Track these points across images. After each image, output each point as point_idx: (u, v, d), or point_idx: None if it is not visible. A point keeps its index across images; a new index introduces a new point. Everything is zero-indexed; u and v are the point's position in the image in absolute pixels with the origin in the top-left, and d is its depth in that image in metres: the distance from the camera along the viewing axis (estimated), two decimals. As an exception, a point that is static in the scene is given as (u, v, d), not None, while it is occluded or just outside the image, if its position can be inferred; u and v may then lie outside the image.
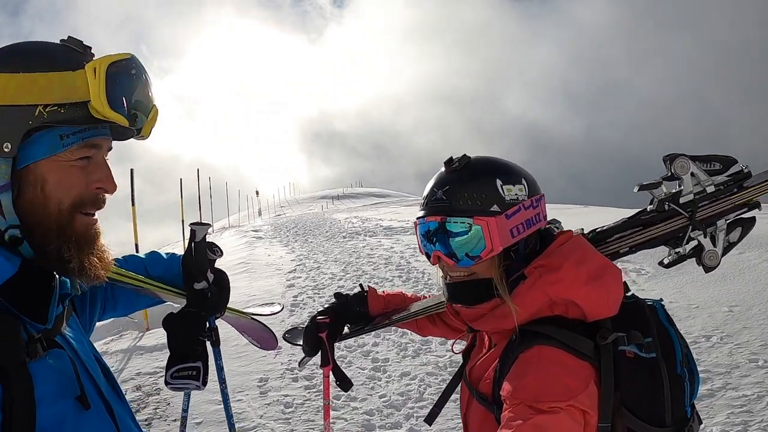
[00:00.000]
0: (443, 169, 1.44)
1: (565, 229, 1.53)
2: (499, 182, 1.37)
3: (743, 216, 1.60)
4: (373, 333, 7.51)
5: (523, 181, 1.40)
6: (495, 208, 1.34)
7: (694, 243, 1.60)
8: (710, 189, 1.57)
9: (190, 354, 1.69)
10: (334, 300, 2.03)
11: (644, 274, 8.03)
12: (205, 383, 1.68)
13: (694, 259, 1.61)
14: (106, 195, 1.18)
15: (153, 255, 1.84)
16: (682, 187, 1.58)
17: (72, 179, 1.10)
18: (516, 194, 1.38)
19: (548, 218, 1.48)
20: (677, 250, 1.63)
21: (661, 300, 1.49)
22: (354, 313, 2.00)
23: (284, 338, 2.14)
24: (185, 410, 2.20)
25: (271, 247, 14.74)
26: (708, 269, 1.60)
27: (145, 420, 4.91)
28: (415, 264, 10.58)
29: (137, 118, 1.14)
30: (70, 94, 1.05)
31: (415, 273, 9.92)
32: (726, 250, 1.60)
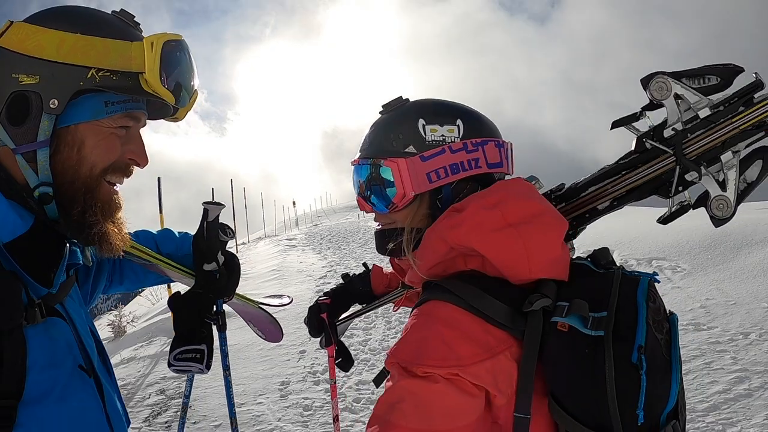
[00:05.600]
0: None
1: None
2: (421, 122, 1.21)
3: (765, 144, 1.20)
4: (384, 318, 7.40)
5: (458, 123, 1.21)
6: (410, 149, 1.20)
7: (701, 189, 1.24)
8: (704, 113, 1.20)
9: (194, 336, 1.65)
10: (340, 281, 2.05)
11: (680, 271, 7.68)
12: (208, 367, 1.65)
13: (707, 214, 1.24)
14: (135, 168, 1.20)
15: (165, 232, 1.81)
16: (666, 116, 1.24)
17: (109, 145, 1.12)
18: (442, 135, 1.20)
19: (524, 176, 1.28)
20: (681, 200, 1.27)
21: (656, 274, 1.12)
22: (357, 292, 1.98)
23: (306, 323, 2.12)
24: (187, 396, 2.16)
25: (303, 255, 14.78)
26: (718, 222, 1.23)
27: (165, 422, 4.94)
28: (445, 267, 10.46)
29: (180, 99, 1.17)
30: (125, 63, 1.07)
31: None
32: (743, 193, 1.21)
